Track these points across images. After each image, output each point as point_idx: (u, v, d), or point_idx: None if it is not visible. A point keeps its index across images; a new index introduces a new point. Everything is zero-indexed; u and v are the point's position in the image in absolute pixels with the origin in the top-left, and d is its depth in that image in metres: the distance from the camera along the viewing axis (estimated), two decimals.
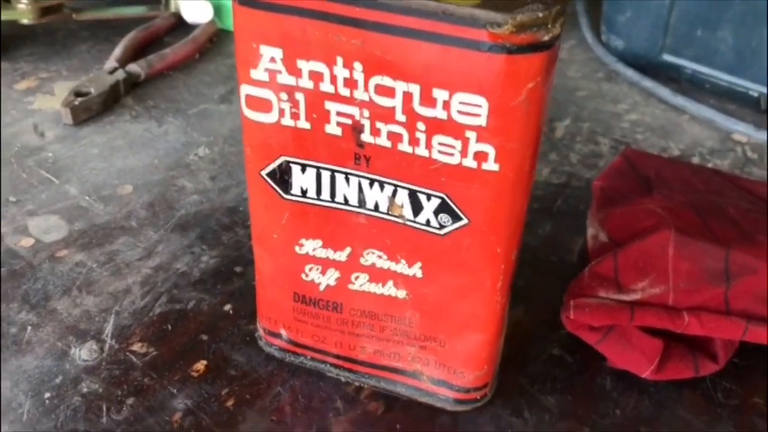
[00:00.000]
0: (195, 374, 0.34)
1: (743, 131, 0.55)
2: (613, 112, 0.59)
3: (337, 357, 0.34)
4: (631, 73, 0.63)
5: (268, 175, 0.29)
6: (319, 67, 0.26)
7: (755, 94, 0.57)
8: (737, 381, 0.35)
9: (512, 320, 0.35)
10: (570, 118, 0.58)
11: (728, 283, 0.35)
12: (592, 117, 0.58)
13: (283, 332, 0.34)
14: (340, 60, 0.25)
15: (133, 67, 0.58)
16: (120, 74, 0.57)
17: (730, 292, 0.35)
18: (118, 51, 0.60)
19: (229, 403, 0.33)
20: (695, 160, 0.53)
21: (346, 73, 0.25)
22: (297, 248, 0.31)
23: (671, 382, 0.35)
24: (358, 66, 0.25)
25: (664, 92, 0.60)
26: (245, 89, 0.27)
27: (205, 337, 0.36)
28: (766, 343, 0.34)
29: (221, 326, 0.37)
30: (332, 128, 0.27)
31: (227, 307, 0.38)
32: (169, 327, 0.37)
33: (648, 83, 0.61)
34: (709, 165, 0.52)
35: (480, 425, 0.33)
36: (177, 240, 0.43)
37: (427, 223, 0.28)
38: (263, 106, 0.27)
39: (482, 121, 0.25)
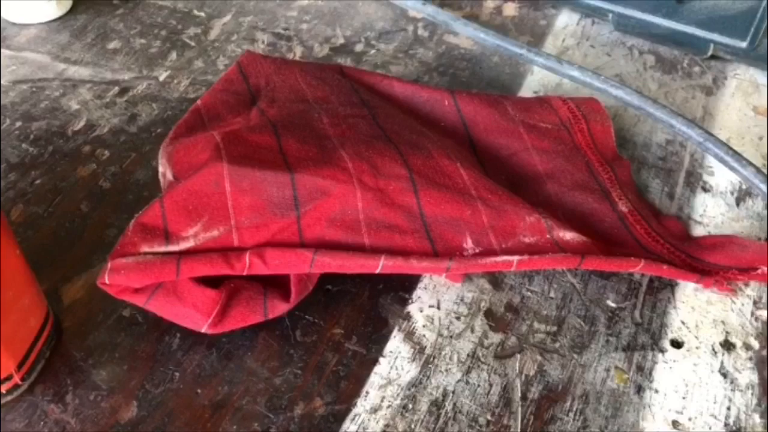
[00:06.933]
0: None
1: (413, 6, 0.51)
2: None
3: None
4: None
5: None
6: None
7: None
8: (321, 312, 0.33)
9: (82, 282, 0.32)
10: (232, 12, 0.51)
11: (299, 210, 0.32)
12: (257, 8, 0.52)
13: None
14: None
15: None
16: None
17: (303, 221, 0.32)
18: None
19: None
20: (359, 47, 0.49)
21: None
22: None
23: (249, 328, 0.32)
24: None
25: None
26: None
27: None
28: (337, 270, 0.32)
29: None
30: None
31: None
32: None
33: None
34: (372, 51, 0.48)
35: (8, 422, 0.29)
36: None
37: None
38: None
39: None
